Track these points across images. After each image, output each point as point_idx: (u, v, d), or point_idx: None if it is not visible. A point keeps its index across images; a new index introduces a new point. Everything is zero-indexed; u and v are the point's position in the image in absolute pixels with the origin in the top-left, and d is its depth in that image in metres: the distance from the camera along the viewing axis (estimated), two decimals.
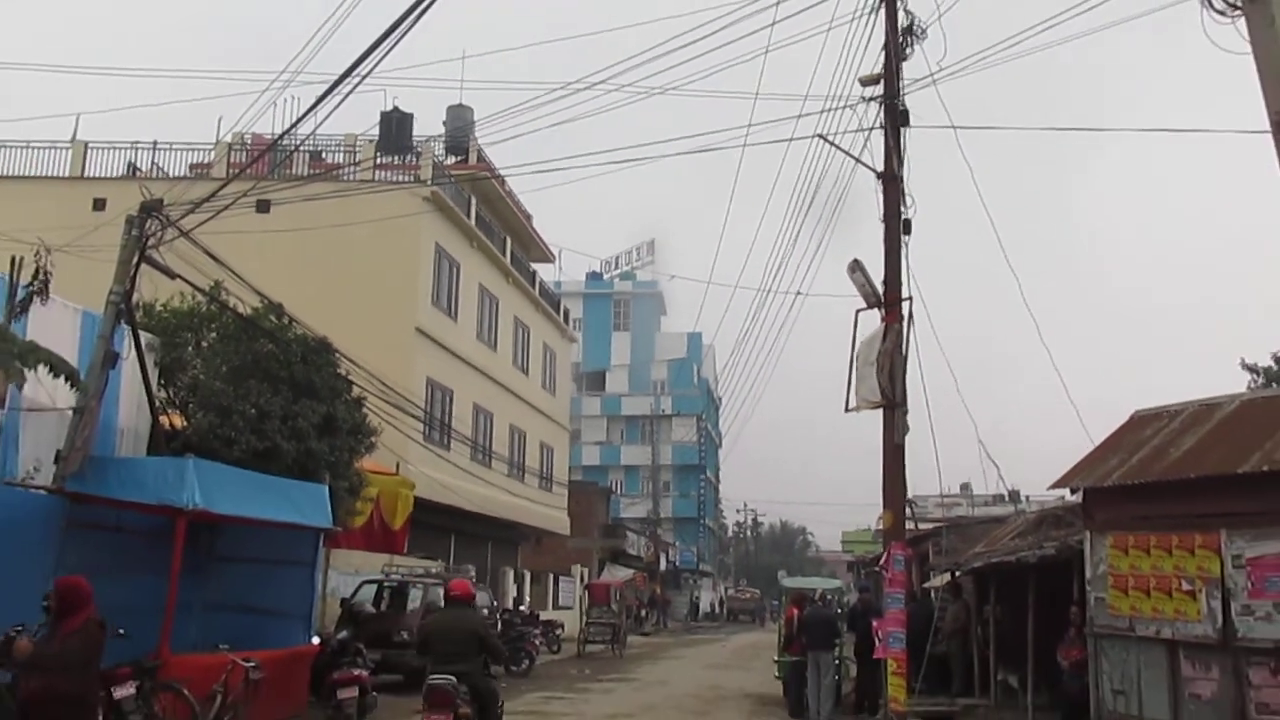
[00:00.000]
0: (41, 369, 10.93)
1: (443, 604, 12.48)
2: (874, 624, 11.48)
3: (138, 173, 25.18)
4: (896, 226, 10.50)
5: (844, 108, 11.40)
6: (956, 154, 13.82)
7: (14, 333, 10.96)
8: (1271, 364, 25.61)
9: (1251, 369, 26.00)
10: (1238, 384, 23.46)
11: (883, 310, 10.17)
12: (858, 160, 10.92)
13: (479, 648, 10.24)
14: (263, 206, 19.96)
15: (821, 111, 11.80)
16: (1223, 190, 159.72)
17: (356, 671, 13.23)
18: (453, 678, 9.65)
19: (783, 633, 18.52)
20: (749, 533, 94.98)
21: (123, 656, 10.53)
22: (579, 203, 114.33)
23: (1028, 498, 33.71)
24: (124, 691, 10.02)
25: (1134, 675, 12.04)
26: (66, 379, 10.77)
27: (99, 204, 22.84)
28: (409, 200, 25.49)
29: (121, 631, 10.72)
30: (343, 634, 14.40)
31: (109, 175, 26.20)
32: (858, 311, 10.42)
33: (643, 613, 46.49)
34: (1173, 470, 11.92)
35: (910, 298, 10.19)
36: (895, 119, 10.79)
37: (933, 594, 20.47)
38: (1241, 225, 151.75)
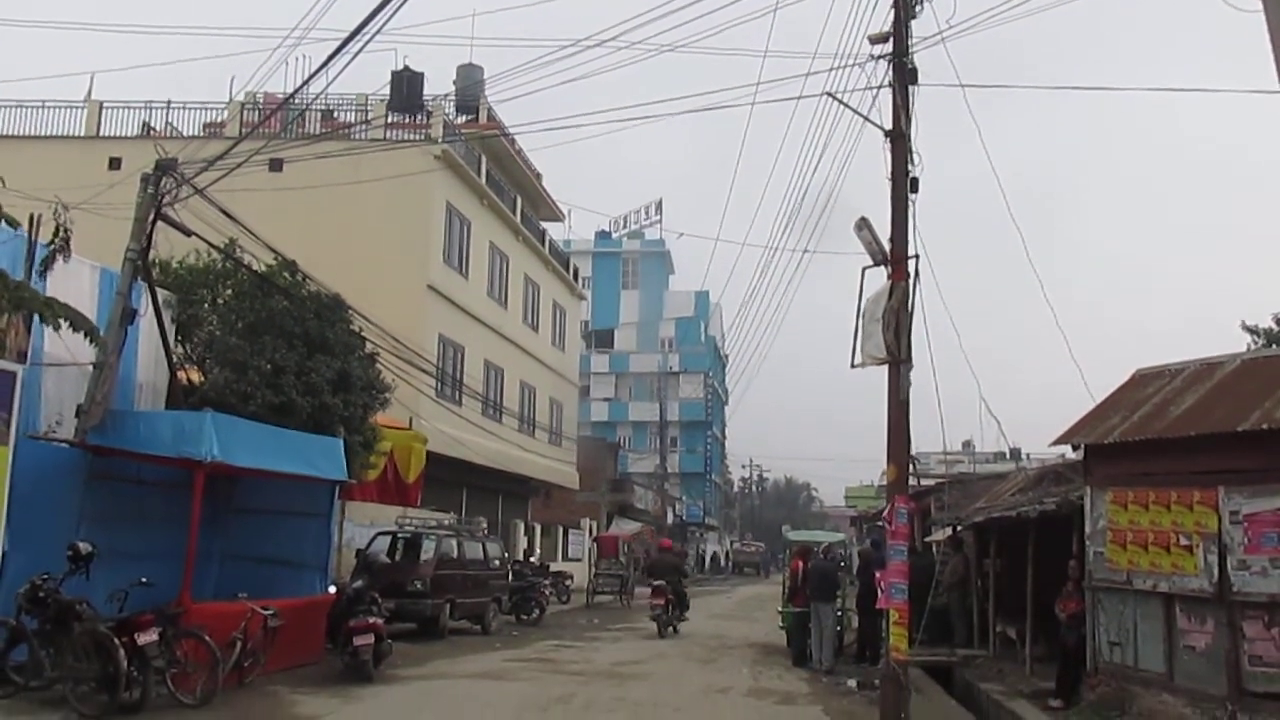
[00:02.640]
0: (61, 324, 11.15)
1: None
2: (876, 575, 11.76)
3: (152, 132, 25.25)
4: (903, 184, 10.57)
5: (852, 66, 11.45)
6: (979, 112, 13.85)
7: (34, 288, 11.16)
8: (1272, 325, 25.60)
9: (1252, 330, 25.99)
10: (1238, 346, 23.47)
11: (889, 268, 10.28)
12: (865, 118, 10.97)
13: (677, 572, 23.62)
14: (275, 165, 20.09)
15: (830, 69, 11.86)
16: (1225, 151, 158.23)
17: (372, 620, 13.53)
18: (664, 583, 22.03)
19: (787, 584, 18.86)
20: (754, 488, 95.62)
21: (145, 604, 10.89)
22: (588, 162, 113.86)
23: (1029, 455, 33.94)
24: (147, 638, 10.34)
25: (1130, 628, 12.30)
26: (86, 334, 10.98)
27: (114, 163, 22.98)
28: (420, 159, 25.55)
29: (144, 580, 11.12)
30: (358, 583, 14.72)
31: (124, 135, 26.28)
32: (864, 269, 10.54)
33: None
34: (1173, 428, 12.08)
35: (916, 256, 10.31)
36: (903, 77, 10.83)
37: (934, 548, 20.78)
38: (1240, 187, 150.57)
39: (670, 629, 21.92)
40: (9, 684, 10.62)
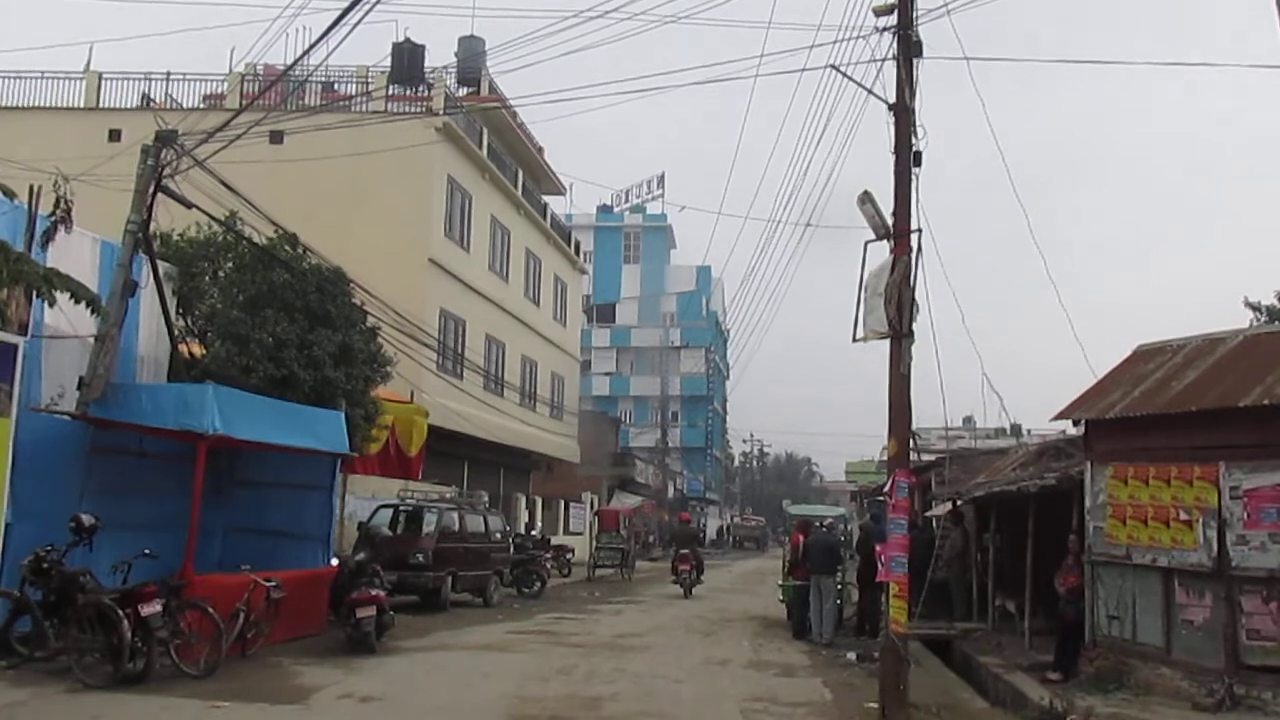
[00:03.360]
0: (62, 296, 11.14)
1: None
2: (877, 549, 11.79)
3: (151, 104, 25.15)
4: (907, 158, 10.49)
5: (857, 38, 11.37)
6: (984, 88, 13.70)
7: (35, 260, 11.13)
8: (1275, 301, 25.55)
9: (1254, 307, 25.95)
10: (1241, 322, 23.42)
11: (891, 242, 10.23)
12: (869, 91, 10.87)
13: (695, 541, 28.38)
14: (276, 138, 20.00)
15: (834, 42, 11.76)
16: (1230, 124, 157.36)
17: (374, 592, 13.58)
18: (688, 551, 25.68)
19: (787, 558, 18.92)
20: (755, 463, 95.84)
21: (149, 575, 10.95)
22: (590, 136, 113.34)
23: (1029, 431, 33.95)
24: (151, 609, 10.39)
25: (1129, 601, 12.36)
26: (88, 305, 10.96)
27: (114, 135, 22.89)
28: (421, 131, 25.43)
29: (147, 551, 11.18)
30: (360, 556, 14.77)
31: (123, 106, 26.16)
32: (866, 243, 10.47)
33: (650, 539, 47.22)
34: (1174, 403, 12.10)
35: (919, 230, 10.25)
36: (908, 50, 10.73)
37: (934, 523, 20.84)
38: (1246, 161, 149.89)
39: (692, 589, 25.86)
40: (14, 655, 10.71)
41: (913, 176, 10.43)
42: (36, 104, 26.43)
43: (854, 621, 17.74)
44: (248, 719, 9.03)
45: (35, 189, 12.14)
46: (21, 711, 8.97)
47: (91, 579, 10.80)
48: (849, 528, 23.99)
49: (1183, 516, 11.60)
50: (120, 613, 10.13)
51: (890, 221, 10.24)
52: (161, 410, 12.34)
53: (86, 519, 11.10)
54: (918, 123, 10.53)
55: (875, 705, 9.86)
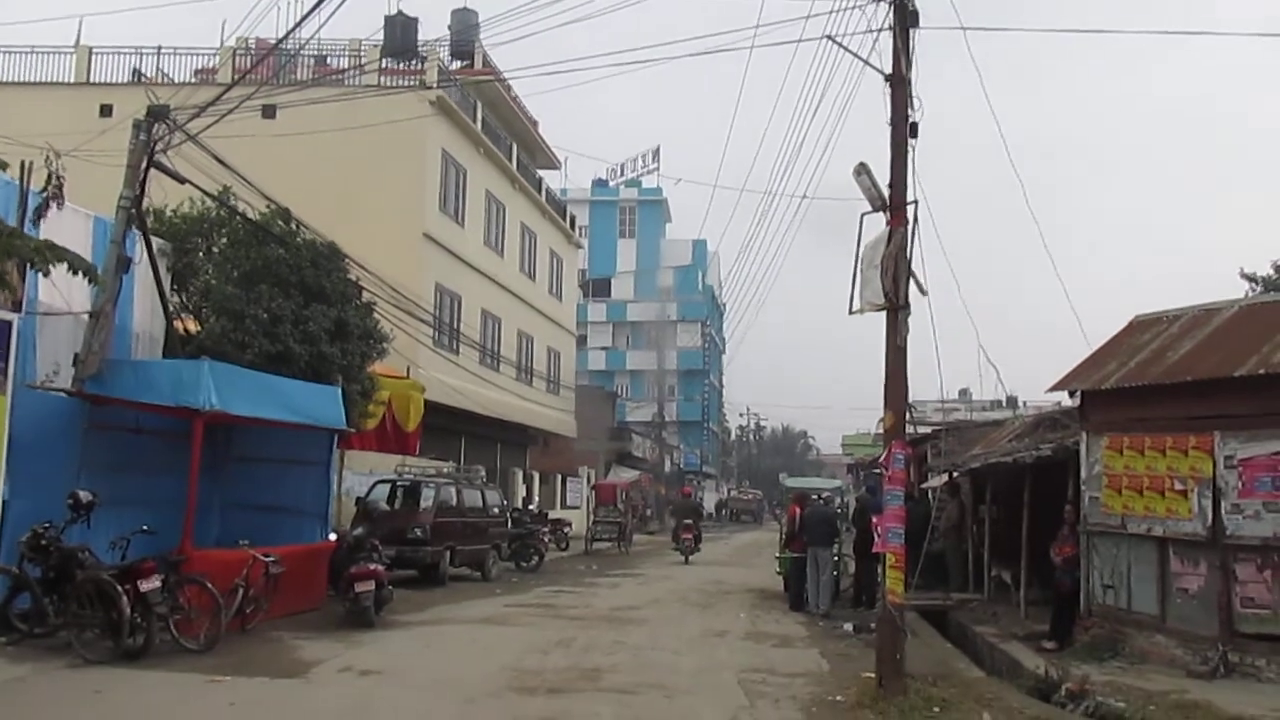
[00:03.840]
0: (56, 270, 11.09)
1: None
2: (873, 520, 11.82)
3: (143, 78, 24.94)
4: (903, 129, 10.41)
5: (853, 8, 11.27)
6: (993, 62, 13.62)
7: (28, 234, 11.07)
8: (1271, 272, 25.59)
9: (1250, 278, 25.99)
10: (1237, 293, 23.46)
11: (888, 213, 10.18)
12: (865, 62, 10.78)
13: (696, 513, 31.61)
14: (268, 112, 19.85)
15: (830, 12, 11.66)
16: (1227, 97, 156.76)
17: (373, 566, 13.63)
18: (690, 521, 28.88)
19: (784, 530, 19.01)
20: (751, 436, 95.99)
21: (147, 551, 10.97)
22: (585, 110, 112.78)
23: (1025, 403, 34.07)
24: (150, 585, 10.41)
25: (1124, 571, 12.44)
26: (85, 275, 10.89)
27: (105, 110, 22.74)
28: (415, 105, 25.26)
29: (145, 528, 11.19)
30: (358, 531, 14.82)
31: (114, 81, 25.94)
32: (863, 215, 10.42)
33: (648, 513, 47.39)
34: (1170, 373, 12.12)
35: (916, 201, 10.19)
36: (904, 19, 10.65)
37: (930, 494, 20.92)
38: (1244, 134, 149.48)
39: (692, 555, 29.01)
40: (13, 631, 10.74)
41: (909, 148, 10.37)
42: (26, 79, 26.22)
43: (850, 593, 17.84)
44: (248, 692, 9.06)
45: (27, 164, 12.07)
46: (22, 687, 9.00)
47: (90, 555, 10.82)
48: (845, 500, 24.03)
49: (1178, 486, 11.65)
50: (119, 588, 10.15)
51: (886, 193, 10.19)
52: (157, 386, 12.32)
53: (84, 495, 11.11)
54: (914, 94, 10.46)
55: (872, 675, 9.92)
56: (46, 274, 10.90)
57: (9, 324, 11.57)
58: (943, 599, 17.10)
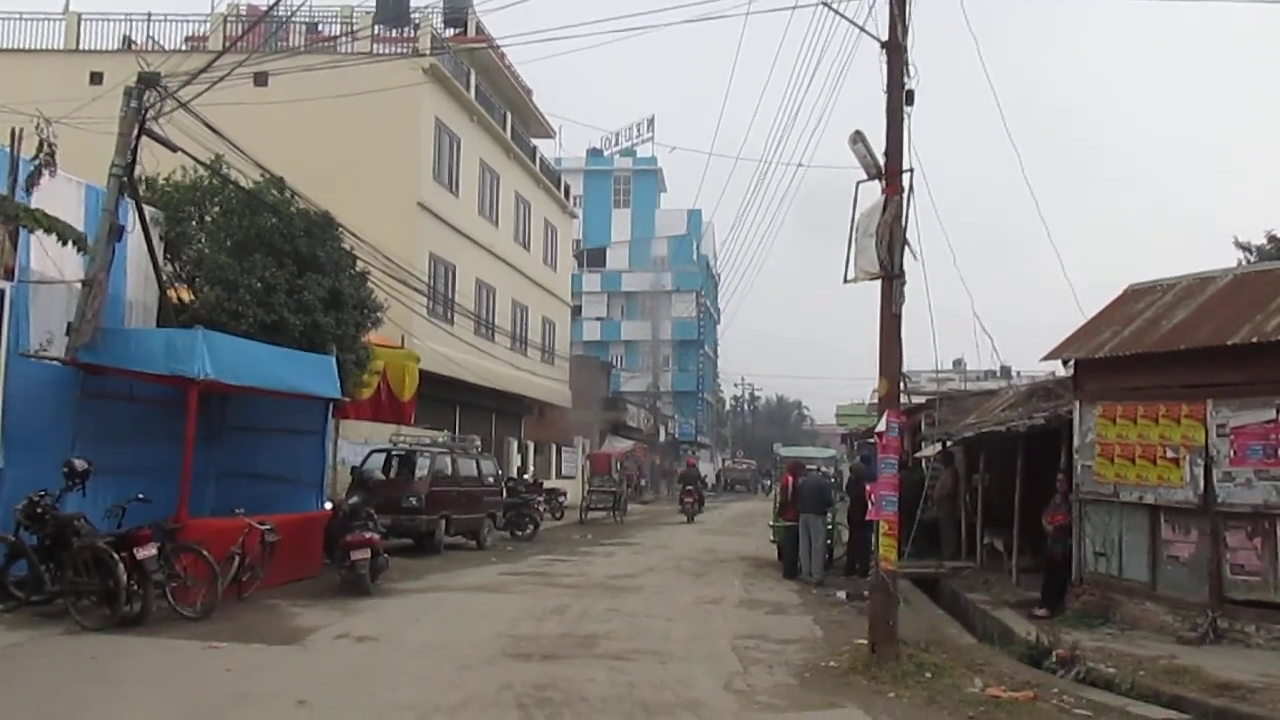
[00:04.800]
0: (48, 239, 11.04)
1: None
2: (868, 489, 11.88)
3: (133, 45, 24.70)
4: (899, 97, 10.36)
5: None
6: (976, 21, 13.47)
7: (17, 200, 10.99)
8: (1265, 242, 25.61)
9: (1245, 247, 26.00)
10: (1231, 262, 23.48)
11: (883, 182, 10.15)
12: (861, 29, 10.73)
13: (699, 480, 37.62)
14: (260, 80, 19.71)
15: None
16: (1225, 66, 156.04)
17: (368, 535, 13.67)
18: (693, 487, 35.04)
19: (778, 499, 19.09)
20: (746, 406, 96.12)
21: (143, 520, 10.98)
22: (579, 78, 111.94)
23: (1019, 373, 34.14)
24: (146, 552, 10.45)
25: (1115, 538, 12.52)
26: (75, 244, 10.83)
27: (96, 77, 22.49)
28: (407, 73, 25.06)
29: (141, 496, 11.21)
30: (354, 500, 14.83)
31: (104, 48, 25.68)
32: (858, 183, 10.38)
33: (642, 482, 47.53)
34: (1164, 342, 12.14)
35: (911, 170, 10.15)
36: None
37: (924, 463, 21.00)
38: (1241, 104, 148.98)
39: (695, 516, 33.86)
40: (10, 598, 10.78)
41: (905, 116, 10.32)
42: (15, 46, 25.96)
43: (844, 561, 17.95)
44: (245, 659, 9.11)
45: (17, 132, 11.97)
46: (20, 653, 9.05)
47: (86, 523, 10.85)
48: (840, 470, 24.15)
49: (1170, 454, 11.71)
50: (116, 556, 10.19)
51: (882, 161, 10.16)
52: (151, 355, 12.30)
53: (79, 464, 11.12)
54: (910, 61, 10.41)
55: (865, 641, 10.00)
56: (31, 231, 10.80)
57: (1, 292, 11.53)
58: (935, 567, 17.21)
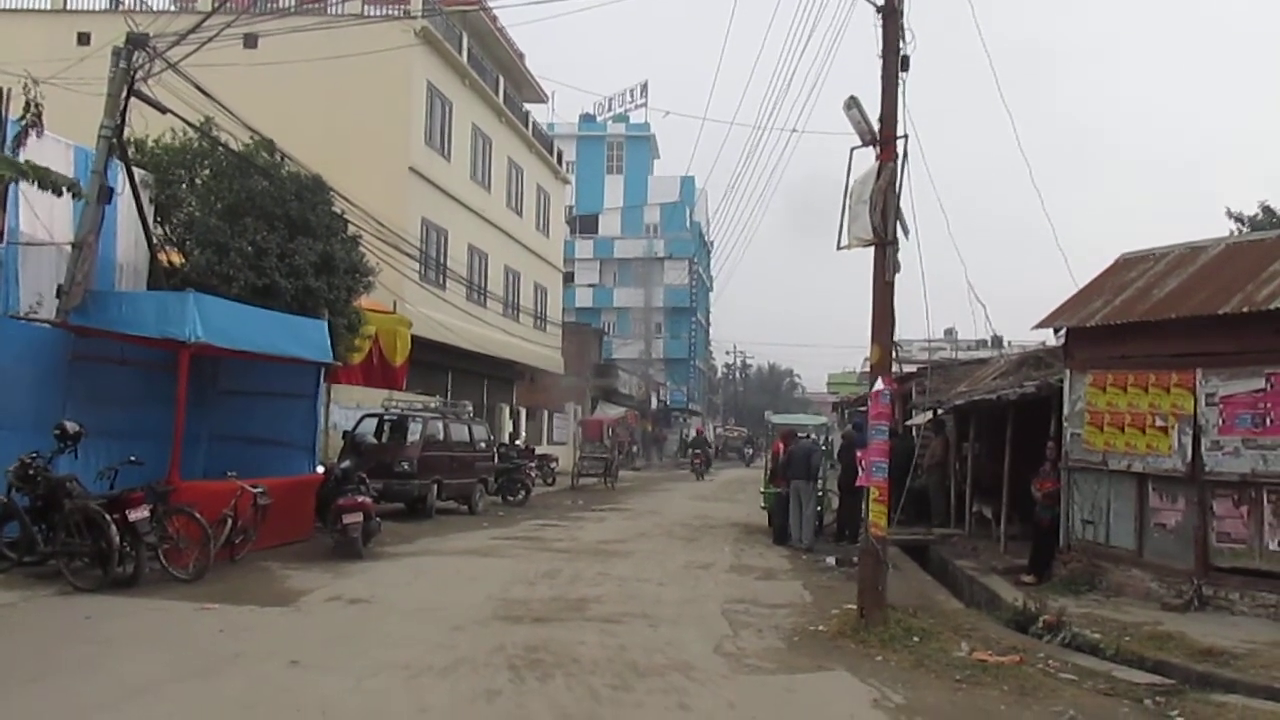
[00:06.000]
0: (37, 199, 10.96)
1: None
2: (858, 456, 11.92)
3: (121, 5, 24.38)
4: (894, 63, 10.29)
5: None
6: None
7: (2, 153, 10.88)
8: (1258, 213, 25.60)
9: (1237, 218, 25.98)
10: (1224, 233, 23.50)
11: (878, 148, 10.11)
12: None
13: (706, 445, 46.30)
14: (250, 41, 19.48)
15: None
16: (1218, 42, 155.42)
17: (361, 499, 13.70)
18: (700, 450, 43.02)
19: (769, 466, 19.15)
20: (738, 374, 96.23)
21: (135, 482, 11.00)
22: (572, 42, 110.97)
23: (1010, 343, 34.19)
24: (138, 514, 10.48)
25: (1104, 506, 12.62)
26: (69, 191, 10.72)
27: (83, 38, 22.23)
28: (399, 35, 24.82)
29: (133, 458, 11.21)
30: (346, 464, 14.88)
31: (91, 9, 25.37)
32: (853, 149, 10.32)
33: (634, 449, 47.68)
34: (1155, 311, 12.18)
35: (906, 136, 10.11)
36: None
37: (914, 431, 21.09)
38: (1234, 78, 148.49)
39: (704, 476, 39.95)
40: (3, 559, 10.80)
41: (900, 82, 10.26)
42: (1, 6, 25.61)
43: (834, 528, 18.05)
44: (238, 619, 9.16)
45: (5, 91, 11.85)
46: (13, 613, 9.08)
47: (78, 485, 10.86)
48: (830, 438, 24.23)
49: (1159, 423, 11.78)
50: (108, 518, 10.22)
51: (877, 127, 10.12)
52: (142, 318, 12.26)
53: (71, 426, 11.11)
54: (906, 26, 10.33)
55: (854, 606, 10.08)
56: (16, 183, 10.69)
57: None
58: (924, 533, 17.34)
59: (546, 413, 40.78)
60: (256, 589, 10.79)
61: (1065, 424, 13.27)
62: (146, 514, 10.58)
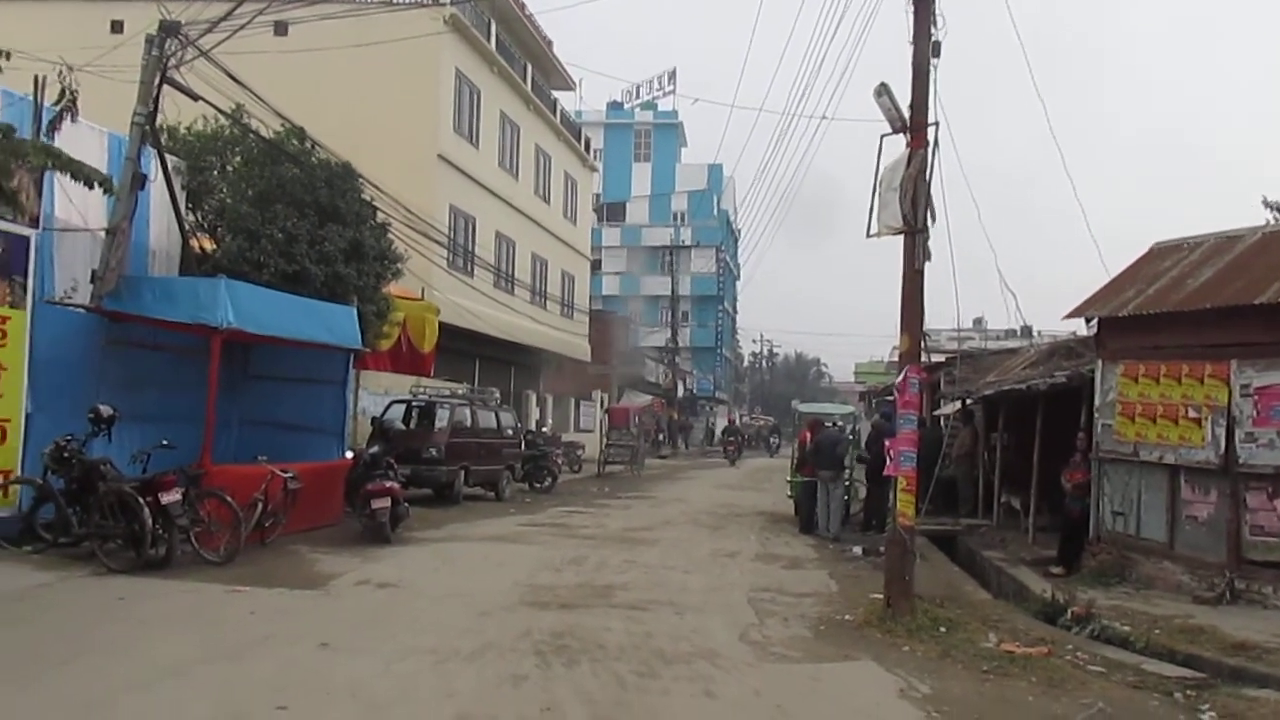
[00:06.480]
0: (71, 186, 11.06)
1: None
2: (886, 445, 11.87)
3: None
4: (925, 49, 10.19)
5: None
6: None
7: (38, 141, 10.99)
8: None
9: (1274, 206, 25.50)
10: (1258, 222, 23.09)
11: (908, 135, 10.02)
12: None
13: (739, 433, 50.11)
14: (280, 29, 19.59)
15: None
16: (1258, 26, 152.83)
17: (389, 484, 13.80)
18: (733, 438, 47.11)
19: (796, 455, 19.10)
20: (765, 363, 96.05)
21: (168, 465, 11.14)
22: (599, 30, 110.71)
23: (1040, 332, 33.87)
24: (170, 497, 10.61)
25: (1134, 498, 12.51)
26: (100, 186, 10.83)
27: (116, 26, 22.42)
28: (428, 23, 24.86)
29: (165, 442, 11.35)
30: (374, 449, 14.98)
31: None
32: (882, 136, 10.24)
33: (660, 437, 47.75)
34: (1189, 301, 12.03)
35: (936, 123, 10.02)
36: None
37: (943, 421, 20.97)
38: (1271, 64, 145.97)
39: (736, 461, 42.35)
40: (39, 540, 10.98)
41: (931, 68, 10.17)
42: None
43: (860, 518, 18.00)
44: (269, 602, 9.26)
45: (40, 79, 11.97)
46: (49, 593, 9.22)
47: (112, 468, 11.01)
48: (857, 427, 24.12)
49: (1192, 414, 11.65)
50: (141, 500, 10.35)
51: (907, 114, 10.04)
52: (175, 304, 12.39)
53: (105, 410, 11.26)
54: (937, 12, 10.23)
55: (880, 596, 10.05)
56: (52, 170, 10.78)
57: (27, 240, 11.62)
58: (952, 524, 17.25)
59: (573, 400, 40.86)
60: (286, 572, 10.90)
61: (1096, 415, 13.15)
62: (178, 497, 10.71)
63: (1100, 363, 13.21)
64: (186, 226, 14.75)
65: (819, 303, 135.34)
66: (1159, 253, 14.09)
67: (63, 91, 11.46)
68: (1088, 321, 13.97)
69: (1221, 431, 11.27)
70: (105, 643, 7.54)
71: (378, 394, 21.03)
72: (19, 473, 11.36)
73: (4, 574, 9.76)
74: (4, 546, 10.79)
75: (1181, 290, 12.40)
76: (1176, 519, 11.91)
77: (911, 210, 9.77)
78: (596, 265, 51.09)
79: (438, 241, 23.47)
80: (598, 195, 53.81)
